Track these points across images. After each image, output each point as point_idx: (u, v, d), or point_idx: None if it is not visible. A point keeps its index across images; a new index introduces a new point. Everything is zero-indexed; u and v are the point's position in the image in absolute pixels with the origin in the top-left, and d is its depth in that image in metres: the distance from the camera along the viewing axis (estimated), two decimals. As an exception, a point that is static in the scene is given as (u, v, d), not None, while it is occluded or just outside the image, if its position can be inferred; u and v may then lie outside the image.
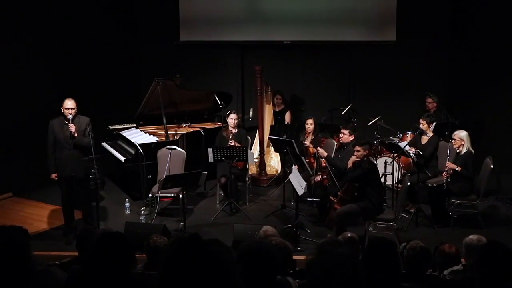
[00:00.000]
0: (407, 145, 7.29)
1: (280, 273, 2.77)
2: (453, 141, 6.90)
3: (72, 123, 6.23)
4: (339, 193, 6.52)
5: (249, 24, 9.95)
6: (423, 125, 7.55)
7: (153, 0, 10.17)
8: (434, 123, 7.93)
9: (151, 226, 6.52)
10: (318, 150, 7.25)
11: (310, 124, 7.89)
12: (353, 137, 7.26)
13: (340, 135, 7.40)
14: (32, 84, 8.29)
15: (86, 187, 6.63)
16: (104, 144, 8.45)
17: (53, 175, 6.44)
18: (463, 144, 6.83)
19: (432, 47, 9.75)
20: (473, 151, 6.85)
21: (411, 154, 7.25)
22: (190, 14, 10.00)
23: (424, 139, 7.62)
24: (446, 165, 6.89)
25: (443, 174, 6.97)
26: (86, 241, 4.00)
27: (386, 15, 9.76)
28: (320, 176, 7.29)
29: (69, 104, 6.25)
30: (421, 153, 7.37)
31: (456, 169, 6.78)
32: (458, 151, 6.88)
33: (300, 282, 3.03)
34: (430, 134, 7.60)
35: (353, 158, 6.51)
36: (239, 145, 7.69)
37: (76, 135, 6.25)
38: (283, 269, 3.22)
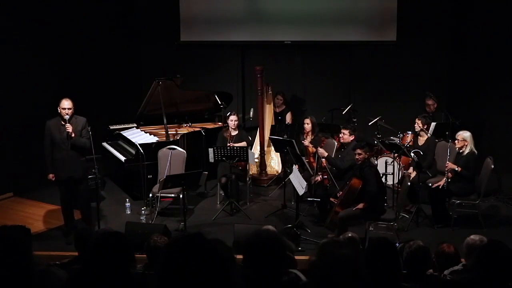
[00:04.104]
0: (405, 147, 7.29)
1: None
2: (456, 141, 6.88)
3: (69, 123, 6.19)
4: (339, 194, 6.52)
5: (249, 24, 9.95)
6: (417, 124, 7.52)
7: (153, 0, 10.18)
8: (435, 124, 7.92)
9: (151, 226, 6.52)
10: (318, 150, 7.25)
11: (307, 124, 7.88)
12: (353, 137, 7.26)
13: (340, 135, 7.40)
14: (33, 84, 8.29)
15: (84, 188, 6.62)
16: (104, 144, 8.46)
17: (50, 175, 6.41)
18: (466, 145, 6.81)
19: (432, 47, 9.75)
20: (476, 152, 6.84)
21: (412, 155, 7.24)
22: (191, 14, 10.00)
23: (421, 140, 7.60)
24: (446, 165, 6.89)
25: (445, 175, 6.92)
26: (84, 241, 4.02)
27: (387, 15, 9.76)
28: (320, 176, 7.29)
29: (66, 104, 6.22)
30: (421, 153, 7.35)
31: (456, 169, 6.78)
32: (461, 151, 6.87)
33: (301, 282, 3.03)
34: (427, 134, 7.56)
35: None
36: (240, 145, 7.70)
37: (73, 135, 6.22)
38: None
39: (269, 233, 2.71)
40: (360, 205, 6.24)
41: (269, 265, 2.54)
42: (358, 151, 6.30)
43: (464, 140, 6.81)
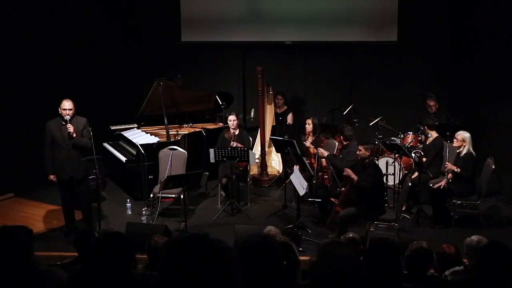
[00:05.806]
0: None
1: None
2: (455, 140, 6.89)
3: (69, 123, 6.20)
4: (339, 192, 6.52)
5: (250, 24, 9.96)
6: (425, 130, 7.54)
7: (154, 0, 10.18)
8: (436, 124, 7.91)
9: (152, 226, 6.52)
10: (318, 150, 7.26)
11: (308, 124, 7.90)
12: (342, 138, 7.31)
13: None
14: (34, 85, 8.29)
15: (85, 188, 6.61)
16: (105, 144, 8.45)
17: (51, 176, 6.41)
18: (464, 145, 6.82)
19: (433, 47, 9.75)
20: (474, 153, 6.84)
21: (412, 155, 7.24)
22: (192, 15, 10.01)
23: (429, 139, 7.61)
24: (446, 165, 6.89)
25: (447, 176, 6.91)
26: (84, 242, 4.02)
27: (387, 16, 9.76)
28: (321, 177, 7.29)
29: (67, 105, 6.23)
30: (422, 153, 7.35)
31: (455, 170, 6.78)
32: (458, 151, 6.88)
33: (302, 282, 3.03)
34: (435, 135, 7.54)
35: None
36: (241, 146, 7.70)
37: (74, 135, 6.24)
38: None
39: (260, 241, 2.65)
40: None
41: (267, 275, 2.50)
42: (359, 147, 6.37)
43: (463, 140, 6.81)
